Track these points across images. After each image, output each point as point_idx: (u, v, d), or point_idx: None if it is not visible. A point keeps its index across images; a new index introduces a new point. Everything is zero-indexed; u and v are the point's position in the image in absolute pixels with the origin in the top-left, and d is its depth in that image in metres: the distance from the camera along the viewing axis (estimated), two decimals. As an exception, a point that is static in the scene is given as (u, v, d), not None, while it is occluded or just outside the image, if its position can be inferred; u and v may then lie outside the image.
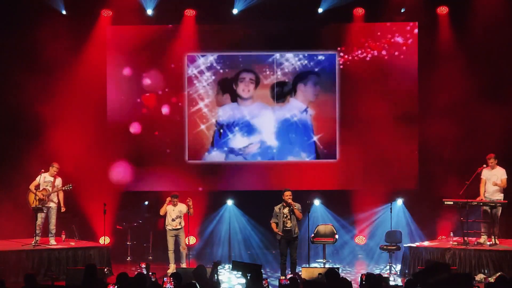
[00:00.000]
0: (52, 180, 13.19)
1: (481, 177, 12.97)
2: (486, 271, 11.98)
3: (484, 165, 12.96)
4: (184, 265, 12.94)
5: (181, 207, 13.22)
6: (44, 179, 13.15)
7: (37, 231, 12.99)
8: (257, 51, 15.80)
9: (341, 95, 15.74)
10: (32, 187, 13.11)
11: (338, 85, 15.74)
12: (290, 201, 12.25)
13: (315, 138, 15.76)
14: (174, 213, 13.18)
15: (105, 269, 11.98)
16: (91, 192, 14.93)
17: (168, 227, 13.22)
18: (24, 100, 14.89)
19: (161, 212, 13.36)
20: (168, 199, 13.23)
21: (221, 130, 15.81)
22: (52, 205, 13.16)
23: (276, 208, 12.41)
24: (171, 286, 9.06)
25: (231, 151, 15.82)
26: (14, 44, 14.83)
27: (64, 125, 14.96)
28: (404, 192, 15.65)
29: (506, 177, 12.89)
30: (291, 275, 10.54)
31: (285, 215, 12.30)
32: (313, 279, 9.75)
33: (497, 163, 13.00)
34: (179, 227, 13.20)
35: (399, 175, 15.58)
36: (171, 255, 13.18)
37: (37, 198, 12.94)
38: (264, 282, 9.08)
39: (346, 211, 15.63)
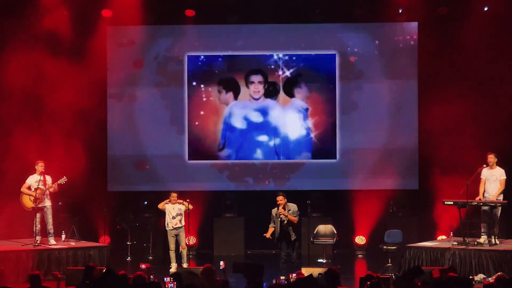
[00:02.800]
0: (42, 178, 13.09)
1: (481, 177, 12.96)
2: (487, 273, 11.97)
3: (484, 165, 12.95)
4: (185, 265, 12.91)
5: (181, 206, 13.17)
6: (34, 179, 13.10)
7: (36, 231, 12.99)
8: (257, 51, 15.80)
9: (341, 95, 15.74)
10: (24, 189, 13.08)
11: (338, 85, 15.73)
12: (280, 209, 11.94)
13: (314, 138, 15.76)
14: (174, 211, 13.12)
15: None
16: (91, 192, 14.93)
17: (168, 227, 13.15)
18: (24, 100, 14.89)
19: (160, 206, 13.27)
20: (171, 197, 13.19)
21: (224, 130, 15.83)
22: (48, 204, 13.14)
23: (273, 212, 12.22)
24: (172, 286, 9.04)
25: (232, 150, 15.83)
26: (13, 43, 14.82)
27: (64, 125, 14.94)
28: (404, 192, 15.66)
29: (505, 177, 12.87)
30: (297, 274, 10.45)
31: (282, 220, 12.06)
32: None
33: (498, 163, 12.98)
34: (180, 225, 13.12)
35: (399, 175, 15.58)
36: (172, 255, 13.13)
37: (32, 199, 12.92)
38: (275, 281, 9.10)
39: (346, 211, 15.63)
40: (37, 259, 12.60)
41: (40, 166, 13.11)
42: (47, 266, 12.59)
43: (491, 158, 12.88)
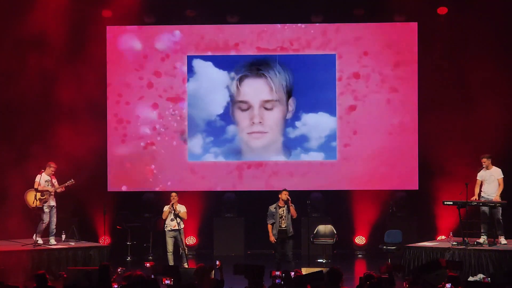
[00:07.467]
0: (50, 179, 13.21)
1: (477, 178, 12.93)
2: (486, 273, 11.95)
3: (483, 167, 12.94)
4: (186, 266, 12.83)
5: (180, 207, 13.03)
6: (43, 178, 13.14)
7: (37, 231, 13.01)
8: (257, 51, 15.80)
9: (340, 95, 15.74)
10: (36, 186, 13.10)
11: (338, 86, 15.73)
12: (289, 201, 12.35)
13: (315, 138, 15.75)
14: (172, 213, 13.04)
15: (119, 269, 11.92)
16: (91, 192, 14.93)
17: (167, 228, 12.97)
18: (23, 100, 14.90)
19: (164, 216, 13.07)
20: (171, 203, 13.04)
21: (225, 130, 15.85)
22: (52, 204, 13.19)
23: (272, 208, 12.45)
24: (169, 283, 9.02)
25: (232, 150, 15.83)
26: (13, 43, 14.83)
27: (64, 125, 14.94)
28: (404, 192, 15.67)
29: (503, 176, 12.85)
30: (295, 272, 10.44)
31: (280, 215, 12.34)
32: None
33: (494, 163, 12.95)
34: (178, 228, 12.90)
35: (399, 175, 15.59)
36: (170, 257, 12.96)
37: (38, 198, 12.95)
38: (272, 273, 9.10)
39: (346, 211, 15.64)
40: (37, 259, 12.61)
41: (51, 168, 13.21)
42: (47, 266, 12.59)
43: (485, 161, 12.84)
